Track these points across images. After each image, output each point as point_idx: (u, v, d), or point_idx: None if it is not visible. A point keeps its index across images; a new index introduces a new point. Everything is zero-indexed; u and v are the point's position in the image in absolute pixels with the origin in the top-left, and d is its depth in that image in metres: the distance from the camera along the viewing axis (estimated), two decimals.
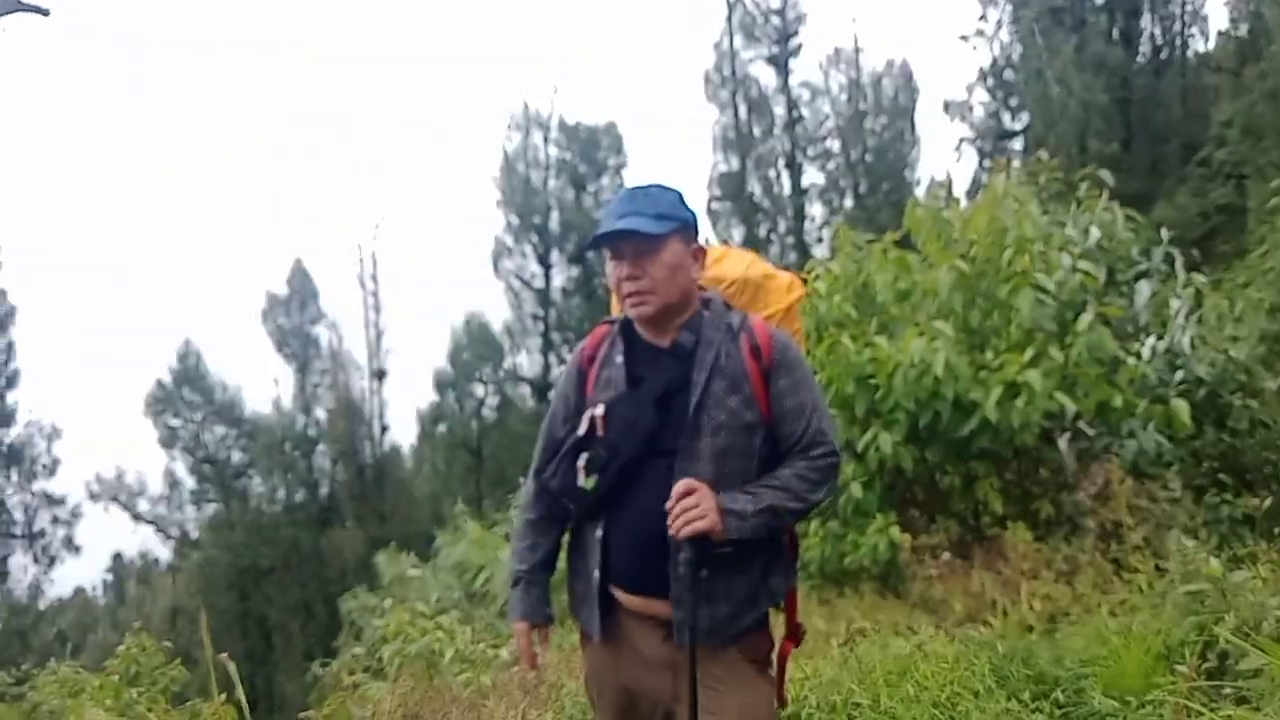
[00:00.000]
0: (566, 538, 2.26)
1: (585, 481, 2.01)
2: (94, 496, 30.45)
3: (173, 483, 31.69)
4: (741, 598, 2.03)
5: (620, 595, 2.08)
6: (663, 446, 1.99)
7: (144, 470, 32.15)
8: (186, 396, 31.76)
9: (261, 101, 60.57)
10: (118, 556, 43.06)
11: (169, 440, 31.52)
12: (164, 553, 34.80)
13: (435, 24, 56.69)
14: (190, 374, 31.89)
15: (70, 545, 28.85)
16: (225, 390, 32.24)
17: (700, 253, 2.12)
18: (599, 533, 2.06)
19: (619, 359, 2.10)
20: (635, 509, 2.01)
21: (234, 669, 3.71)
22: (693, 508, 1.87)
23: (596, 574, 2.07)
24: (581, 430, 2.04)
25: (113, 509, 31.05)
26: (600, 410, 2.03)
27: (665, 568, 1.95)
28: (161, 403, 31.47)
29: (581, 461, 2.02)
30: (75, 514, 29.11)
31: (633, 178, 31.80)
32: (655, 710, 2.13)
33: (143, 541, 34.95)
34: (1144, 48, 25.56)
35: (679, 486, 1.90)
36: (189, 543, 31.29)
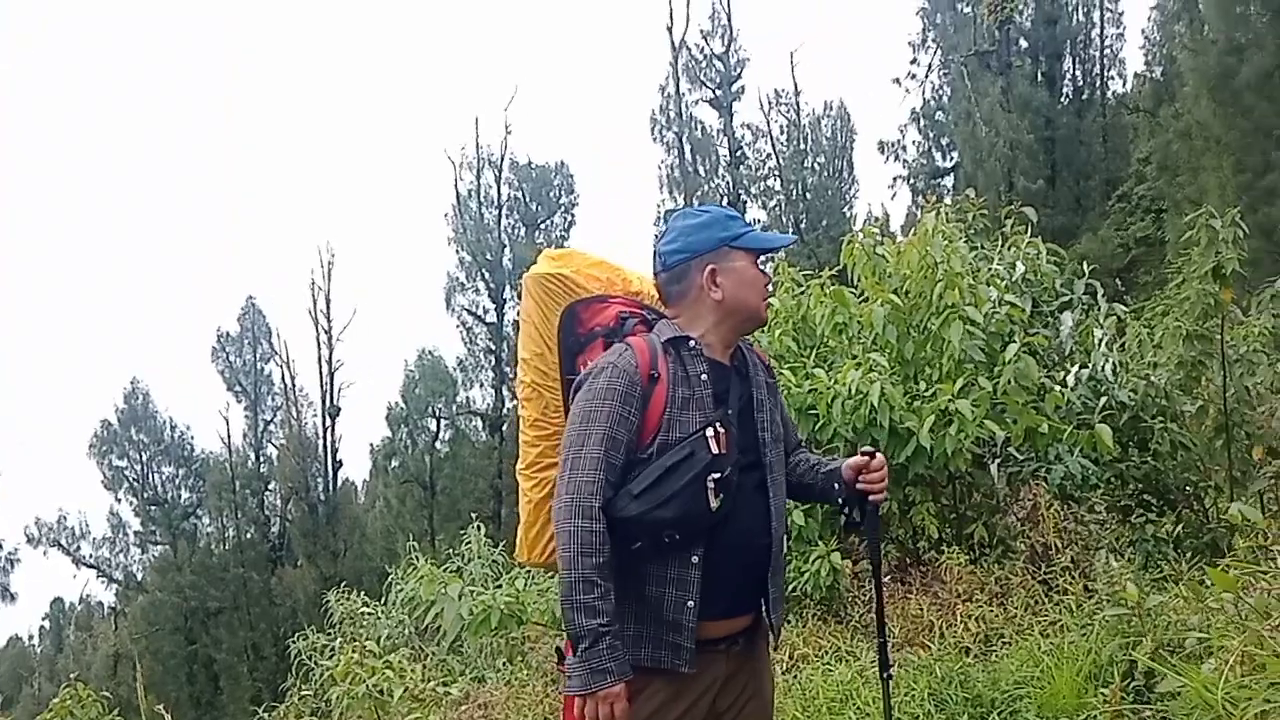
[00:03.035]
0: None
1: (714, 503, 1.93)
2: (32, 541, 29.42)
3: (117, 525, 30.75)
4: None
5: (710, 623, 1.99)
6: (744, 462, 2.05)
7: (86, 512, 31.22)
8: (133, 437, 30.98)
9: (211, 129, 59.99)
10: (57, 602, 41.54)
11: (114, 481, 30.57)
12: (107, 597, 33.73)
13: (389, 51, 56.82)
14: (137, 414, 31.07)
15: (5, 593, 27.77)
16: (173, 429, 31.54)
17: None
18: (696, 559, 1.94)
19: (703, 376, 2.02)
20: (739, 527, 2.00)
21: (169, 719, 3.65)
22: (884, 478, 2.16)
23: (693, 603, 1.94)
24: (714, 450, 1.94)
25: (53, 554, 30.02)
26: (721, 428, 1.98)
27: (764, 581, 2.06)
28: (107, 444, 30.59)
29: (711, 483, 1.93)
30: (12, 560, 28.08)
31: (584, 215, 32.37)
32: None
33: (84, 586, 33.85)
34: (1066, 89, 26.59)
35: (879, 458, 2.16)
36: (134, 586, 30.33)
